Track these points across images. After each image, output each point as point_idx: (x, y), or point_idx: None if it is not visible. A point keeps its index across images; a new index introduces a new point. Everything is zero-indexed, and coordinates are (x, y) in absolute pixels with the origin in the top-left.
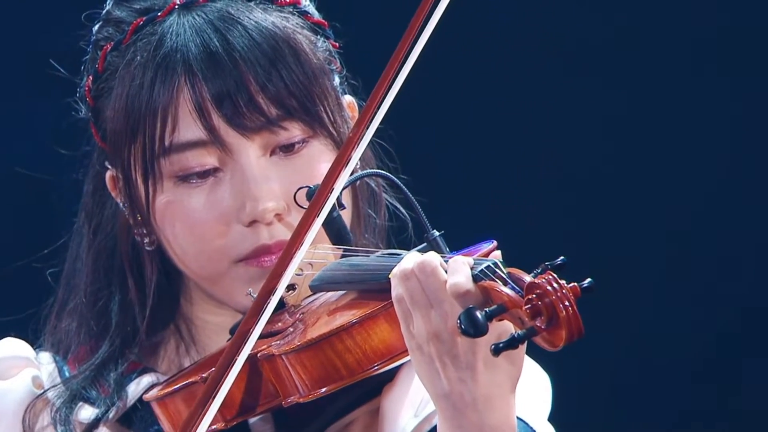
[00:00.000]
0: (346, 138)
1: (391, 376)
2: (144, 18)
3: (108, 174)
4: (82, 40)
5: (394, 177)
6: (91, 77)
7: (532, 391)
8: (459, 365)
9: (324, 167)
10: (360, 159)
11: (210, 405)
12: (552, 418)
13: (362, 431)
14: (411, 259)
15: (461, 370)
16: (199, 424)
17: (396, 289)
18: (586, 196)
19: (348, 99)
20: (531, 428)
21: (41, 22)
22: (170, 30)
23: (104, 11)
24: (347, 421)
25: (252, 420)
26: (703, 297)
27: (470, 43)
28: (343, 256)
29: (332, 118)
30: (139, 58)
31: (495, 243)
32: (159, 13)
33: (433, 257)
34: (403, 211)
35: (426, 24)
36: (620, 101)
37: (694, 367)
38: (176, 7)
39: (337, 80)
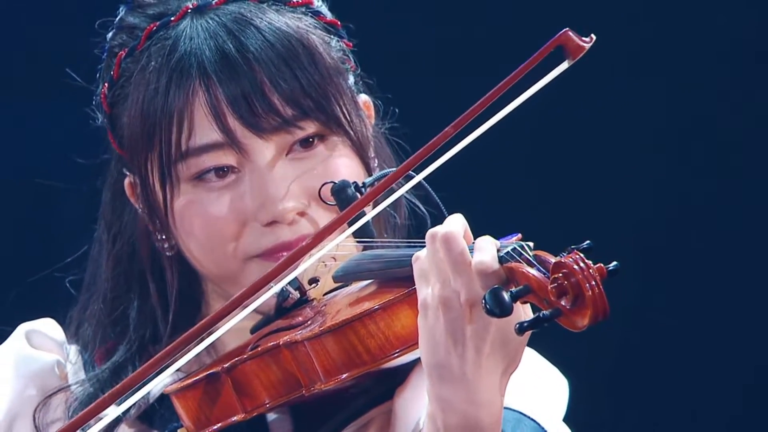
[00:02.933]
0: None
1: (404, 377)
2: (157, 23)
3: (126, 180)
4: (96, 48)
5: (415, 174)
6: (106, 84)
7: (547, 392)
8: (461, 338)
9: (341, 163)
10: (377, 157)
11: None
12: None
13: (378, 431)
14: (444, 224)
15: (464, 344)
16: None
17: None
18: (604, 195)
19: (363, 98)
20: (542, 428)
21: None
22: (184, 34)
23: (117, 18)
24: (364, 420)
25: (270, 417)
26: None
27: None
28: (365, 249)
29: (348, 117)
30: (153, 63)
31: (520, 235)
32: (172, 18)
33: (458, 234)
34: (422, 207)
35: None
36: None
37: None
38: (189, 11)
39: (351, 79)
